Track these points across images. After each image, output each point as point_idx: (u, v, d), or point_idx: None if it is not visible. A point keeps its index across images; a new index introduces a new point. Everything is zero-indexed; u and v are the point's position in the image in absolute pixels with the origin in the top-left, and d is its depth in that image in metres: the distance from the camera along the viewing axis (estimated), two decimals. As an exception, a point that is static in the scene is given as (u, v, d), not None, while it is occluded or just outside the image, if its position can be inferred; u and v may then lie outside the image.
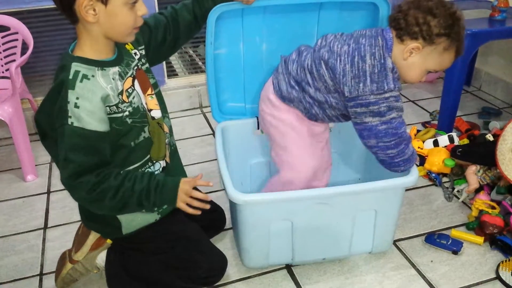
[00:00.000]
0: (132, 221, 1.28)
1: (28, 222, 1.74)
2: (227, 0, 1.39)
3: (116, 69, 1.17)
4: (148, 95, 1.28)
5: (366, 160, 1.70)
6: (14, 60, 2.06)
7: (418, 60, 1.27)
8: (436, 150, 1.93)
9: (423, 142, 2.02)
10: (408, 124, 2.29)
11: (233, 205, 1.40)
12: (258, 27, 1.53)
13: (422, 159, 1.96)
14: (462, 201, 1.76)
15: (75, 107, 1.07)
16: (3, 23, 2.05)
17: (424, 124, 2.30)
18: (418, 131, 2.15)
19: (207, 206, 1.24)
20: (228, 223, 1.62)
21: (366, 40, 1.28)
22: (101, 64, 1.13)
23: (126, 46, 1.25)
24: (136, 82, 1.23)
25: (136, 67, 1.25)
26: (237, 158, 1.64)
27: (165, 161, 1.32)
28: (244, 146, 1.66)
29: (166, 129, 1.33)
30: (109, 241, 1.36)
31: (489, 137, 1.94)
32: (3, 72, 2.11)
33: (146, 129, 1.23)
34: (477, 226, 1.59)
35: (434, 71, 1.32)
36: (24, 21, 2.05)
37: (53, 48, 2.36)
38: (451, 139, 1.98)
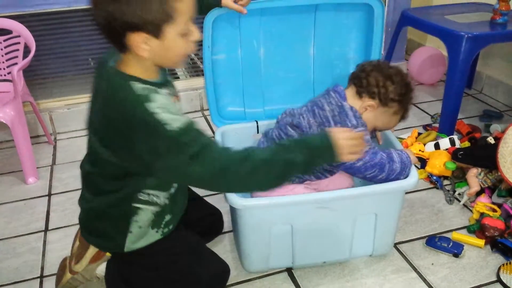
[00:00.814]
0: (135, 243, 1.24)
1: (29, 225, 1.75)
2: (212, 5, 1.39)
3: (166, 90, 1.11)
4: None
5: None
6: (16, 63, 2.06)
7: (370, 117, 1.40)
8: (437, 153, 1.93)
9: (424, 145, 2.02)
10: (409, 127, 2.30)
11: (233, 209, 1.39)
12: (255, 31, 1.53)
13: (423, 162, 1.96)
14: (463, 204, 1.75)
15: (163, 113, 0.99)
16: (5, 27, 2.05)
17: (425, 127, 2.29)
18: (419, 134, 2.15)
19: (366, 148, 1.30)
20: (228, 226, 1.61)
21: (320, 97, 1.42)
22: (155, 85, 1.07)
23: None
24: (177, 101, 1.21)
25: (173, 84, 1.21)
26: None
27: None
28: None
29: None
30: (108, 254, 1.34)
31: (490, 140, 1.94)
32: (5, 75, 2.11)
33: None
34: (478, 229, 1.59)
35: (378, 129, 1.47)
36: (26, 24, 2.06)
37: (55, 51, 2.37)
38: (452, 142, 1.98)
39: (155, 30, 0.99)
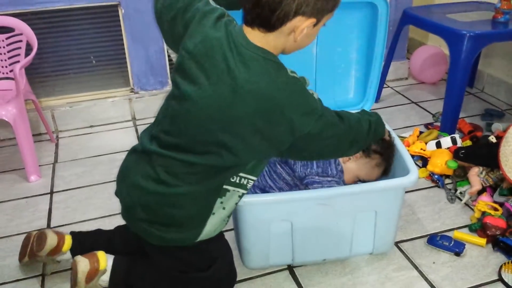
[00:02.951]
0: (213, 231, 1.21)
1: (31, 223, 1.75)
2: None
3: None
4: None
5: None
6: (18, 61, 2.06)
7: (353, 166, 1.52)
8: (439, 151, 1.93)
9: (426, 143, 2.02)
10: (411, 126, 2.30)
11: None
12: None
13: (425, 161, 1.96)
14: (465, 203, 1.75)
15: (317, 98, 1.11)
16: (7, 24, 2.05)
17: (427, 125, 2.29)
18: (421, 132, 2.15)
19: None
20: (230, 224, 1.61)
21: None
22: None
23: None
24: None
25: None
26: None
27: None
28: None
29: None
30: (102, 268, 1.29)
31: (492, 139, 1.94)
32: (7, 73, 2.11)
33: None
34: (480, 227, 1.58)
35: (361, 179, 1.54)
36: (28, 22, 2.06)
37: (57, 49, 2.37)
38: (453, 141, 1.97)
39: (320, 18, 1.04)
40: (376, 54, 1.62)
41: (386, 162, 1.53)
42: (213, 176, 1.15)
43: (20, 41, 2.07)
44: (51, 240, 1.41)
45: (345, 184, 1.48)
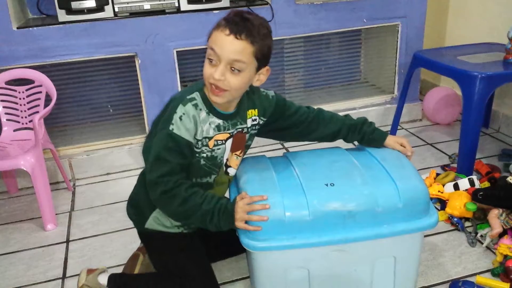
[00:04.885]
0: (158, 225, 1.43)
1: (46, 272, 1.75)
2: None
3: (219, 121, 1.32)
4: (235, 154, 1.41)
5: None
6: (37, 112, 2.12)
7: None
8: (457, 193, 1.90)
9: (443, 185, 1.99)
10: (427, 168, 2.28)
11: (248, 253, 1.38)
12: None
13: (443, 203, 1.93)
14: (486, 246, 1.71)
15: (179, 119, 1.25)
16: (27, 77, 2.12)
17: (444, 167, 2.27)
18: (438, 174, 2.13)
19: (265, 218, 1.23)
20: (246, 272, 1.59)
21: None
22: (211, 111, 1.30)
23: (249, 111, 1.38)
24: (230, 140, 1.36)
25: (240, 130, 1.38)
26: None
27: None
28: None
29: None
30: (102, 267, 1.55)
31: (510, 179, 1.90)
32: (26, 123, 2.17)
33: (213, 176, 1.38)
34: (503, 271, 1.54)
35: None
36: (47, 73, 2.12)
37: (75, 99, 2.43)
38: (471, 182, 1.95)
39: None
40: None
41: None
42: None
43: (40, 92, 2.13)
44: None
45: None
